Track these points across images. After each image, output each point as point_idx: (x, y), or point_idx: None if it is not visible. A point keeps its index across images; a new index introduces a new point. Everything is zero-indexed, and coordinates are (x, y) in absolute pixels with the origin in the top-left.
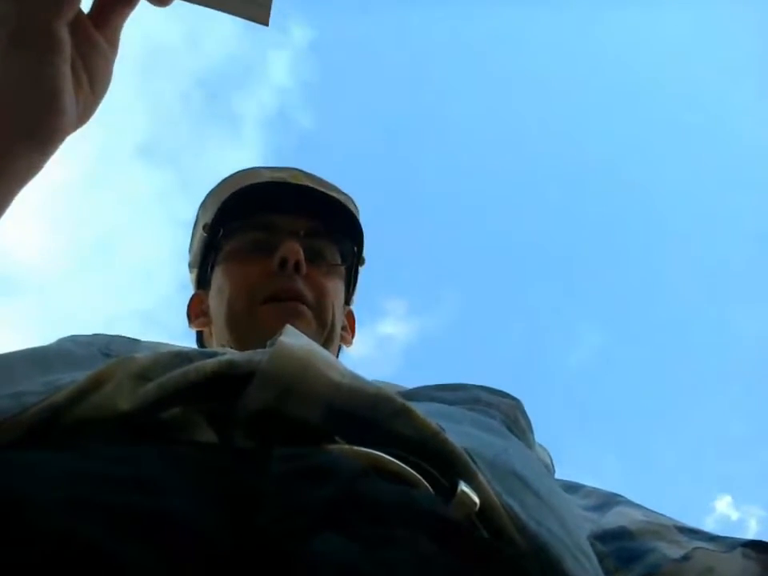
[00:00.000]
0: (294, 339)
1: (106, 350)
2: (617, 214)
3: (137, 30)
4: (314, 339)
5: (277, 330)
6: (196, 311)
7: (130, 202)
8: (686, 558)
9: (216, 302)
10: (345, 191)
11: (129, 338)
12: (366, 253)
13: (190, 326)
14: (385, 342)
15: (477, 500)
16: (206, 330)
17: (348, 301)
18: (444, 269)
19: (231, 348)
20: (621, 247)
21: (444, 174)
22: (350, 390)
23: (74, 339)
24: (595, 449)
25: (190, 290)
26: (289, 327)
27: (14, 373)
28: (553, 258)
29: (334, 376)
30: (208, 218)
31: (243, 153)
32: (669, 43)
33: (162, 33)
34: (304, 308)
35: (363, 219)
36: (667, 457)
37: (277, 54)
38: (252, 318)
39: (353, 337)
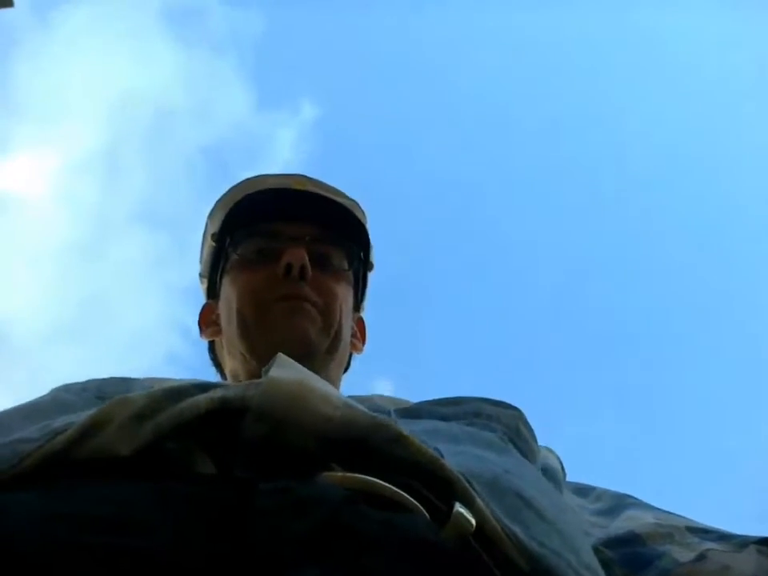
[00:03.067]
0: (286, 371)
1: (99, 392)
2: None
3: (146, 94)
4: (321, 341)
5: (284, 328)
6: (207, 321)
7: (126, 265)
8: (699, 558)
9: (225, 311)
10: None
11: (121, 378)
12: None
13: (201, 337)
14: None
15: (473, 521)
16: (217, 339)
17: (357, 307)
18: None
19: (241, 355)
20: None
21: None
22: (343, 422)
23: (67, 388)
24: None
25: (179, 362)
26: (281, 356)
27: (10, 426)
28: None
29: (326, 410)
30: (216, 227)
31: None
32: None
33: (170, 98)
34: (310, 307)
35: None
36: None
37: (283, 129)
38: (260, 322)
39: (364, 344)
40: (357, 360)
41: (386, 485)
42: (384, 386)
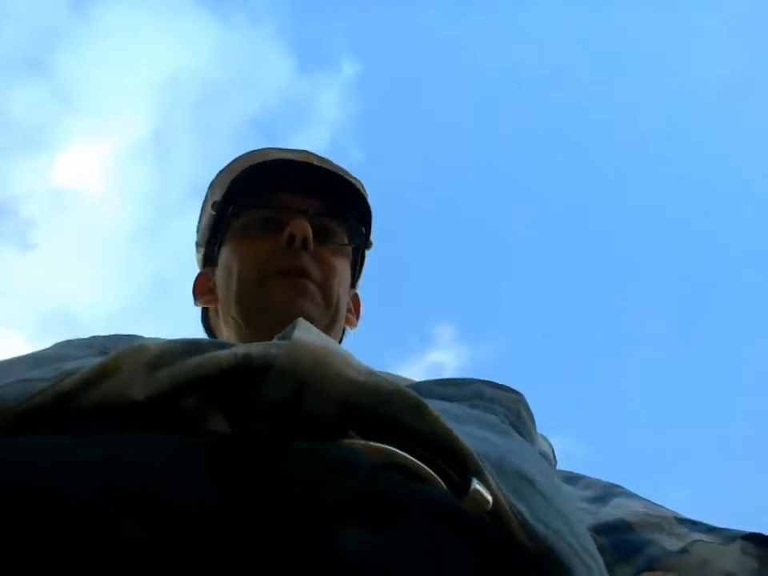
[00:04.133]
0: (308, 334)
1: (104, 348)
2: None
3: (189, 72)
4: (321, 318)
5: (284, 306)
6: (202, 289)
7: (185, 243)
8: (684, 550)
9: (223, 278)
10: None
11: (127, 335)
12: (374, 239)
13: (195, 304)
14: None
15: (490, 498)
16: (211, 307)
17: (353, 284)
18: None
19: (238, 323)
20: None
21: (492, 201)
22: (366, 386)
23: (70, 343)
24: None
25: None
26: (301, 320)
27: (18, 369)
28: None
29: (350, 373)
30: (217, 196)
31: None
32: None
33: (213, 73)
34: (311, 285)
35: (427, 248)
36: None
37: (327, 90)
38: (260, 294)
39: (357, 319)
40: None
41: (407, 456)
42: None
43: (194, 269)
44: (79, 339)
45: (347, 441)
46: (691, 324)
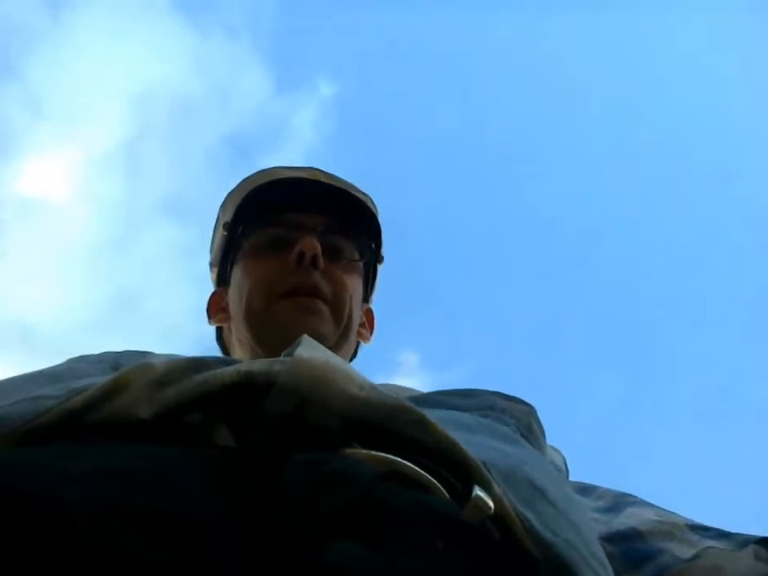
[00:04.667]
0: (311, 351)
1: (116, 364)
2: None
3: (164, 85)
4: (331, 335)
5: (294, 326)
6: (216, 308)
7: (153, 258)
8: (695, 557)
9: (235, 298)
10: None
11: (138, 351)
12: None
13: (209, 323)
14: None
15: (491, 504)
16: (225, 326)
17: (367, 298)
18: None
19: (249, 342)
20: None
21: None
22: (368, 402)
23: (83, 359)
24: None
25: (208, 353)
26: (305, 337)
27: (29, 386)
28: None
29: (351, 390)
30: (228, 216)
31: None
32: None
33: (188, 87)
34: (321, 304)
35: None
36: None
37: (303, 110)
38: (269, 314)
39: (371, 334)
40: None
41: (409, 464)
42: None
43: (159, 285)
44: (91, 354)
45: (349, 451)
46: (645, 357)
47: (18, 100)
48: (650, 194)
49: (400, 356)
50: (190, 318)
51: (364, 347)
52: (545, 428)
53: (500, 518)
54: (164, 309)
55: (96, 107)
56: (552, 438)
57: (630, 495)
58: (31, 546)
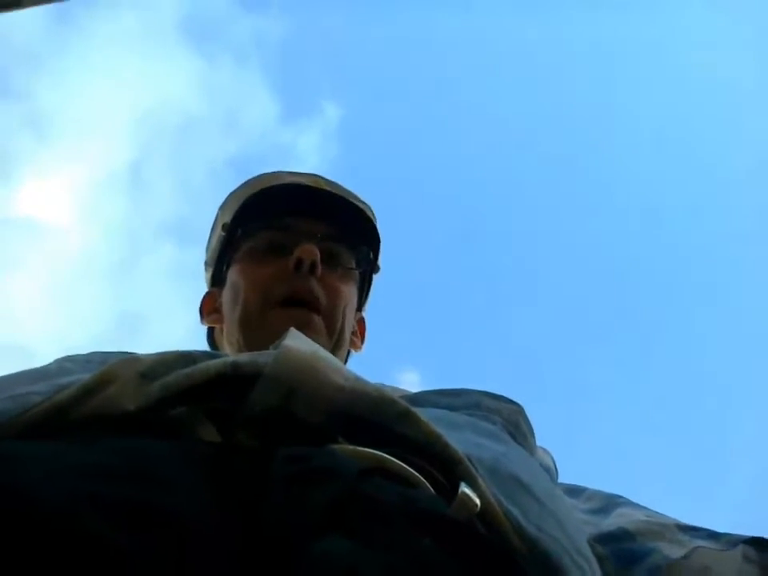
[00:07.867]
0: (298, 342)
1: (103, 363)
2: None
3: (169, 107)
4: (323, 346)
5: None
6: (209, 308)
7: (156, 280)
8: (685, 557)
9: (229, 299)
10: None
11: (126, 352)
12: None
13: (201, 322)
14: None
15: (478, 501)
16: (217, 327)
17: (360, 307)
18: None
19: (240, 345)
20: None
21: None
22: (353, 392)
23: (71, 359)
24: None
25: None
26: (293, 330)
27: (18, 384)
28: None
29: (337, 379)
30: (227, 217)
31: None
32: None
33: (194, 110)
34: (314, 317)
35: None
36: None
37: (308, 133)
38: (263, 320)
39: (362, 342)
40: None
41: (395, 460)
42: None
43: (162, 307)
44: (80, 354)
45: (335, 446)
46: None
47: (22, 120)
48: (651, 195)
49: (400, 374)
50: (193, 341)
51: (364, 363)
52: (534, 428)
53: (486, 513)
54: (167, 331)
55: (101, 129)
56: (552, 442)
57: (619, 496)
58: (7, 539)
